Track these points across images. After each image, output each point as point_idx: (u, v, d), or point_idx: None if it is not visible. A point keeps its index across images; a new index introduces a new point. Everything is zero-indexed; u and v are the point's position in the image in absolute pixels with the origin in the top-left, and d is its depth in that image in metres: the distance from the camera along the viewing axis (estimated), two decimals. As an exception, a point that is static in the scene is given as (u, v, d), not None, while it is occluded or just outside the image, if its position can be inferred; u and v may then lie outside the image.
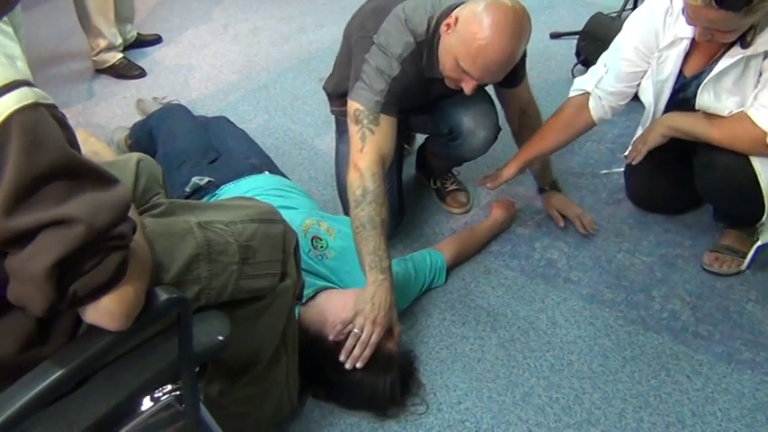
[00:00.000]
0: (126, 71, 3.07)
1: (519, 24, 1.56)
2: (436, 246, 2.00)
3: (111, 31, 2.98)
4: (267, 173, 2.01)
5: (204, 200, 1.87)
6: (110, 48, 3.02)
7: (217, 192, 1.88)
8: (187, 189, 1.89)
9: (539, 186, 2.18)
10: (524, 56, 1.79)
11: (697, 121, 1.71)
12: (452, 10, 1.64)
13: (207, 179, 1.90)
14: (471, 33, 1.54)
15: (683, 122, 1.74)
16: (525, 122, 2.01)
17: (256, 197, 1.77)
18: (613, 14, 3.05)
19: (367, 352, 1.50)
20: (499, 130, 1.97)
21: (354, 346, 1.50)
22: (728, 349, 1.74)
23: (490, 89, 1.96)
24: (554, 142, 1.94)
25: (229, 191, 1.88)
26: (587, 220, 2.11)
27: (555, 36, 3.19)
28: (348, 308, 1.55)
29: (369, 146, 1.66)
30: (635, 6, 3.06)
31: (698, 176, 1.83)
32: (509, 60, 1.59)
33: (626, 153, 2.09)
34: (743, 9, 1.41)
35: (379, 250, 1.58)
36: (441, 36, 1.64)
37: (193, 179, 1.90)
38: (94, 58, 3.05)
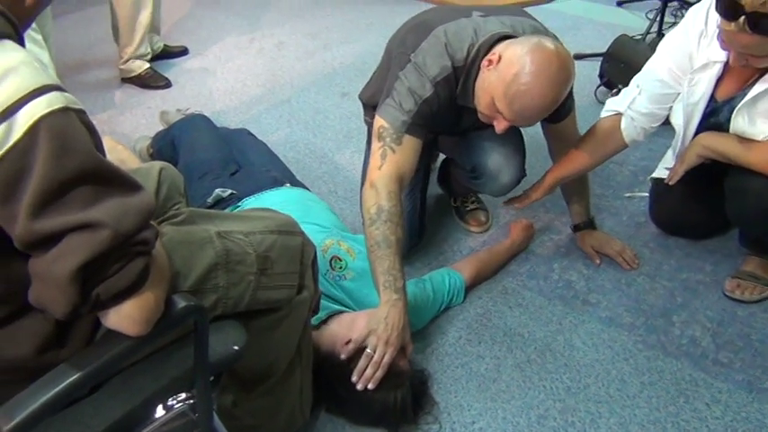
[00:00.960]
0: (151, 81, 3.11)
1: (562, 74, 1.52)
2: (455, 265, 1.99)
3: (141, 40, 3.02)
4: (288, 185, 2.01)
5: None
6: (138, 57, 3.06)
7: (239, 204, 1.89)
8: (209, 200, 1.90)
9: (573, 224, 2.11)
10: (570, 93, 1.74)
11: (733, 143, 1.69)
12: (494, 40, 1.61)
13: (229, 191, 1.91)
14: (512, 75, 1.51)
15: (718, 143, 1.71)
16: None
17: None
18: (638, 37, 3.04)
19: (379, 373, 1.48)
20: (524, 175, 1.94)
21: (367, 367, 1.49)
22: (749, 378, 1.71)
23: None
24: (584, 164, 1.91)
25: (251, 204, 1.88)
26: (629, 255, 2.06)
27: (579, 57, 3.18)
28: (359, 326, 1.54)
29: (388, 164, 1.65)
30: (659, 30, 3.06)
31: (728, 200, 1.81)
32: (546, 108, 1.57)
33: (652, 176, 2.07)
34: None
35: (394, 270, 1.56)
36: (480, 68, 1.60)
37: (216, 191, 1.91)
38: (122, 67, 3.10)
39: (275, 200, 1.90)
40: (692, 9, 1.71)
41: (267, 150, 2.34)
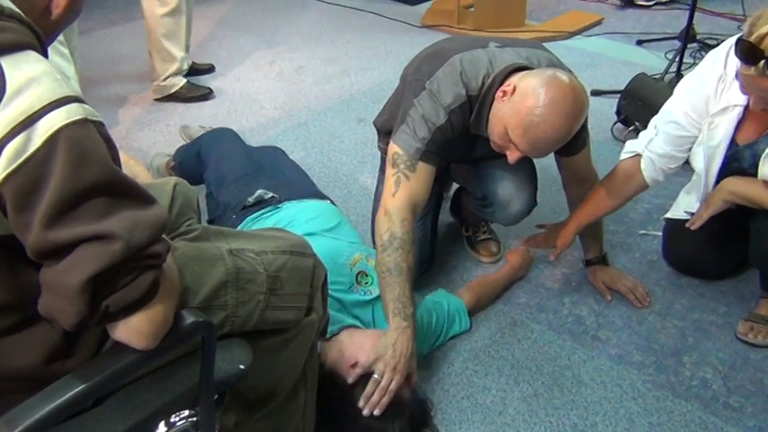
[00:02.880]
0: (193, 92, 3.17)
1: (576, 106, 1.53)
2: (456, 292, 1.97)
3: (182, 56, 3.07)
4: (329, 202, 2.01)
5: (265, 213, 1.88)
6: (178, 72, 3.11)
7: (279, 206, 1.89)
8: (251, 199, 1.90)
9: (585, 258, 2.10)
10: (585, 126, 1.75)
11: (760, 187, 1.68)
12: (509, 71, 1.62)
13: (271, 194, 1.91)
14: (526, 107, 1.51)
15: (745, 189, 1.70)
16: (580, 193, 1.94)
17: (312, 220, 1.78)
18: (656, 76, 3.05)
19: (385, 399, 1.47)
20: (534, 205, 1.95)
21: (374, 393, 1.47)
22: (761, 424, 1.68)
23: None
24: (607, 206, 1.91)
25: (291, 208, 1.88)
26: (640, 292, 2.04)
27: (596, 93, 3.19)
28: (366, 349, 1.53)
29: (401, 191, 1.65)
30: (678, 70, 3.06)
31: (752, 242, 1.79)
32: (559, 140, 1.57)
33: (666, 216, 2.06)
34: None
35: (404, 297, 1.56)
36: (494, 99, 1.61)
37: (259, 191, 1.91)
38: (162, 84, 3.12)
39: (314, 209, 1.90)
40: (711, 52, 1.72)
41: (300, 169, 2.33)
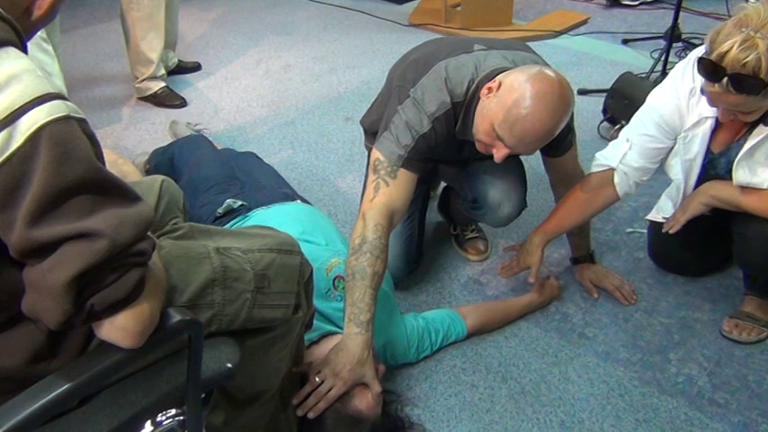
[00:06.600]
0: (167, 100, 3.13)
1: (563, 100, 1.53)
2: (462, 309, 1.93)
3: (157, 60, 3.05)
4: (299, 201, 2.00)
5: (235, 222, 1.86)
6: (153, 76, 3.08)
7: (248, 215, 1.87)
8: (220, 210, 1.89)
9: (572, 256, 2.11)
10: (571, 127, 1.75)
11: (737, 191, 1.69)
12: (495, 74, 1.61)
13: (240, 202, 1.90)
14: (513, 100, 1.51)
15: (723, 193, 1.72)
16: (567, 194, 1.94)
17: (286, 223, 1.74)
18: (642, 75, 3.07)
19: (321, 404, 1.43)
20: (524, 207, 1.94)
21: (310, 395, 1.45)
22: (745, 420, 1.69)
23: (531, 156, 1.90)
24: (574, 221, 1.92)
25: (261, 215, 1.86)
26: (627, 290, 2.05)
27: (582, 92, 3.20)
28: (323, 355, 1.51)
29: (379, 197, 1.64)
30: (664, 69, 3.08)
31: (736, 245, 1.80)
32: (547, 134, 1.56)
33: (647, 217, 2.07)
34: (761, 92, 1.41)
35: (361, 302, 1.52)
36: (480, 99, 1.61)
37: (227, 201, 1.90)
38: (138, 86, 3.11)
39: (286, 211, 1.88)
40: (678, 66, 1.73)
41: (275, 172, 2.32)
